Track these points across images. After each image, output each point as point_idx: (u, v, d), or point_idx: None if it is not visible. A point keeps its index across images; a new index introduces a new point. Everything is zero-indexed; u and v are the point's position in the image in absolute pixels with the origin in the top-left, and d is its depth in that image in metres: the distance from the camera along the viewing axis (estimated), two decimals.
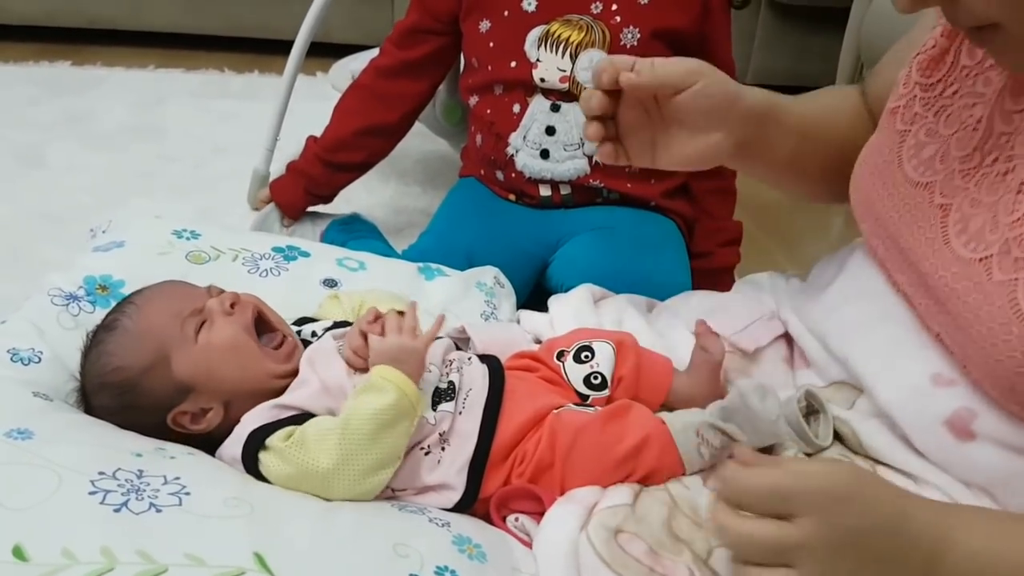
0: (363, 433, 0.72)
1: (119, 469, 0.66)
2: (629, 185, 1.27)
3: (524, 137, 1.25)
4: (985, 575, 0.59)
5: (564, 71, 1.21)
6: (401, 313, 0.81)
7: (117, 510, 0.62)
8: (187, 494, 0.65)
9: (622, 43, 1.20)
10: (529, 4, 1.22)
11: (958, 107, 0.75)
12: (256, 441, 0.74)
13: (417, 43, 1.34)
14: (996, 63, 0.71)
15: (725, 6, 1.25)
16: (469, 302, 1.10)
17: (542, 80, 1.22)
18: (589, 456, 0.76)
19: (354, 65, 1.72)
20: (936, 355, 0.74)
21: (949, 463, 0.72)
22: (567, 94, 1.22)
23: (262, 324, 0.85)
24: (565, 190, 1.27)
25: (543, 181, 1.26)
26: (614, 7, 1.20)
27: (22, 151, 1.83)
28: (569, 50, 1.21)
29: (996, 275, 0.66)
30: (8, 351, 0.84)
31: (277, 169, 1.56)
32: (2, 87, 2.17)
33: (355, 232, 1.46)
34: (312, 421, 0.75)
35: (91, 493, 0.63)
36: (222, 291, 0.86)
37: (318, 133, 1.44)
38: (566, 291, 1.18)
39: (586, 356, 0.85)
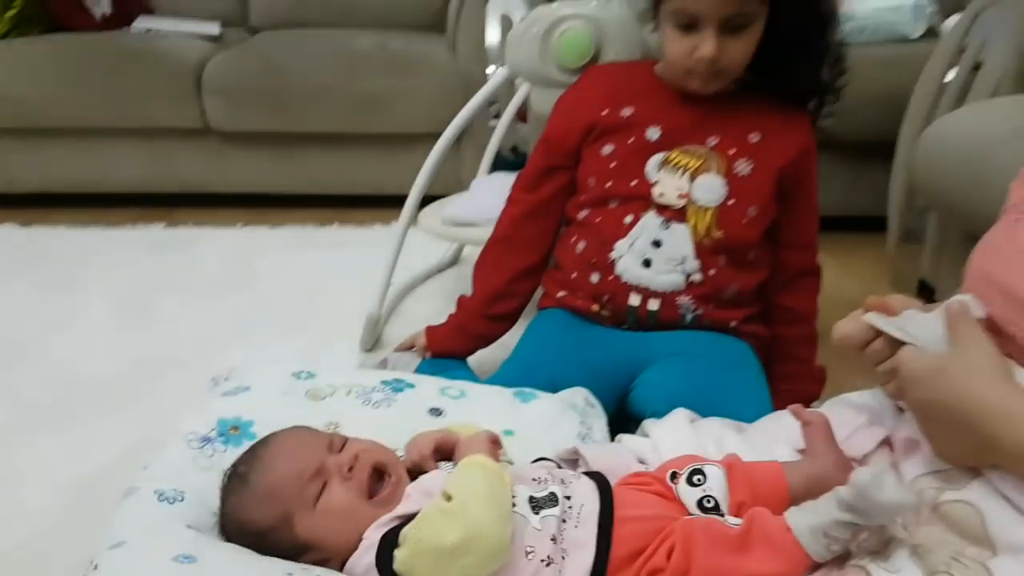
0: (475, 498, 0.80)
1: None
2: (713, 306, 1.34)
3: (631, 245, 1.33)
4: None
5: (682, 190, 1.32)
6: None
7: None
8: None
9: (735, 171, 1.33)
10: (652, 134, 1.34)
11: None
12: (390, 543, 0.81)
13: (547, 182, 1.46)
14: None
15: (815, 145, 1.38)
16: (565, 423, 1.16)
17: (661, 195, 1.32)
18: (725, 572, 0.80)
19: (447, 211, 1.87)
20: None
21: None
22: (680, 212, 1.32)
23: (378, 471, 0.91)
24: (653, 305, 1.33)
25: (637, 289, 1.33)
26: (729, 144, 1.33)
27: (126, 306, 1.96)
28: (688, 173, 1.32)
29: None
30: (155, 492, 0.93)
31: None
32: (103, 249, 2.35)
33: (445, 365, 1.52)
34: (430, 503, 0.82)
35: None
36: (344, 441, 0.93)
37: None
38: (652, 416, 1.20)
39: (698, 480, 0.88)
